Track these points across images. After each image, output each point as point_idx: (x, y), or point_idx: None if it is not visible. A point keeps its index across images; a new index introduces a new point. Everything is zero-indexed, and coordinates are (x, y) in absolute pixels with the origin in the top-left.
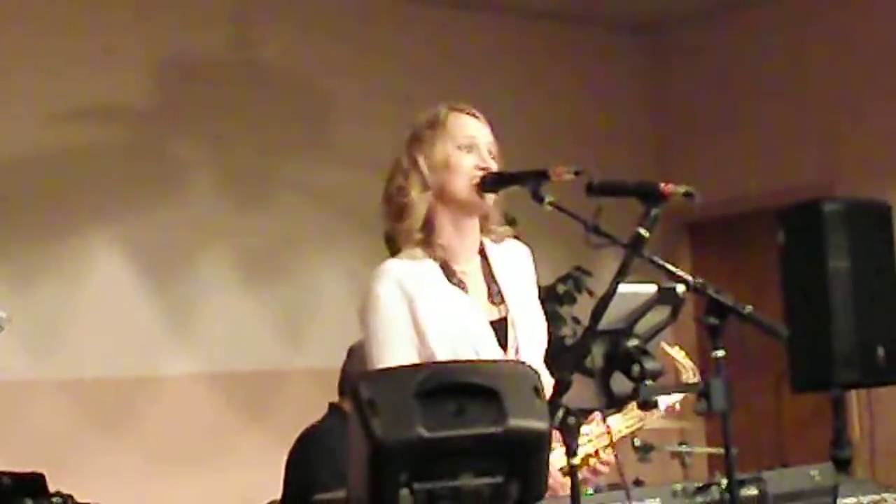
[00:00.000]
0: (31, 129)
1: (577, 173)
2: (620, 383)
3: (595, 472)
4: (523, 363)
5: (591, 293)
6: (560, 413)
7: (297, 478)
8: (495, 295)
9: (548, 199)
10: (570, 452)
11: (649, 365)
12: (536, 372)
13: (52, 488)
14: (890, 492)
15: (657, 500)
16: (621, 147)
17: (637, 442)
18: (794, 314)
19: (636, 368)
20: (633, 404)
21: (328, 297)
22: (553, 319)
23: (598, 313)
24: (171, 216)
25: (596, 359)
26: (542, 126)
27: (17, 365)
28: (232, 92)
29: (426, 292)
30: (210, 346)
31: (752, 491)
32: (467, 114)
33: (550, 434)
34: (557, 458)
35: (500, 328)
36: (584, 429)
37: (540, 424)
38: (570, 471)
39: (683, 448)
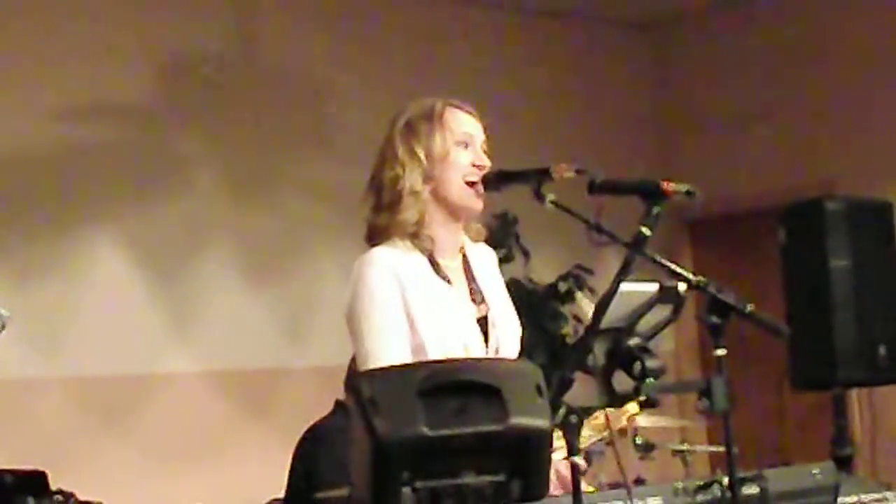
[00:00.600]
0: (34, 126)
1: (578, 171)
2: (622, 381)
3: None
4: (525, 361)
5: (592, 292)
6: (562, 411)
7: (302, 475)
8: (476, 293)
9: (549, 197)
10: (572, 451)
11: (651, 363)
12: (538, 370)
13: (53, 486)
14: (891, 490)
15: (659, 498)
16: (623, 145)
17: (638, 440)
18: (795, 313)
19: (638, 366)
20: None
21: (330, 294)
22: (554, 318)
23: (599, 311)
24: (173, 213)
25: (597, 357)
26: (544, 123)
27: (19, 363)
28: (234, 89)
29: (417, 281)
30: (212, 344)
31: (753, 489)
32: (463, 110)
33: (552, 432)
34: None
35: (482, 326)
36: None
37: (542, 422)
38: (571, 469)
39: (685, 446)
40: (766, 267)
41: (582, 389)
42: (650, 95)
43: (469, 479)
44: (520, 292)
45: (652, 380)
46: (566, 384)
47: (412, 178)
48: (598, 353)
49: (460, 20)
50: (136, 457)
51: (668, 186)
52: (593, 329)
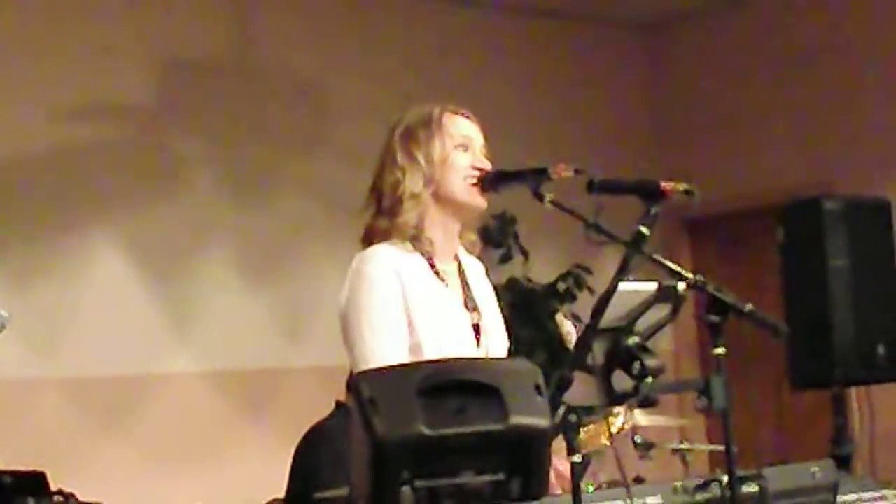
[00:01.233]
0: (32, 126)
1: (577, 171)
2: (621, 381)
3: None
4: (525, 360)
5: (591, 291)
6: (561, 410)
7: (302, 474)
8: (470, 300)
9: (548, 197)
10: (571, 450)
11: (650, 362)
12: (537, 369)
13: (53, 487)
14: (890, 489)
15: (658, 497)
16: (622, 145)
17: (638, 439)
18: (794, 312)
19: (637, 366)
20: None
21: (329, 294)
22: (553, 317)
23: (599, 311)
24: (171, 213)
25: (597, 356)
26: (543, 124)
27: (18, 363)
28: (233, 89)
29: (417, 281)
30: (211, 344)
31: (752, 488)
32: (461, 115)
33: (551, 431)
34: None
35: (475, 332)
36: None
37: (541, 422)
38: (571, 469)
39: (684, 445)
40: (765, 266)
41: (581, 389)
42: (649, 95)
43: (468, 478)
44: (519, 292)
45: (651, 379)
46: (565, 383)
47: (412, 182)
48: (598, 352)
49: (458, 21)
50: (135, 457)
51: (667, 186)
52: (593, 328)
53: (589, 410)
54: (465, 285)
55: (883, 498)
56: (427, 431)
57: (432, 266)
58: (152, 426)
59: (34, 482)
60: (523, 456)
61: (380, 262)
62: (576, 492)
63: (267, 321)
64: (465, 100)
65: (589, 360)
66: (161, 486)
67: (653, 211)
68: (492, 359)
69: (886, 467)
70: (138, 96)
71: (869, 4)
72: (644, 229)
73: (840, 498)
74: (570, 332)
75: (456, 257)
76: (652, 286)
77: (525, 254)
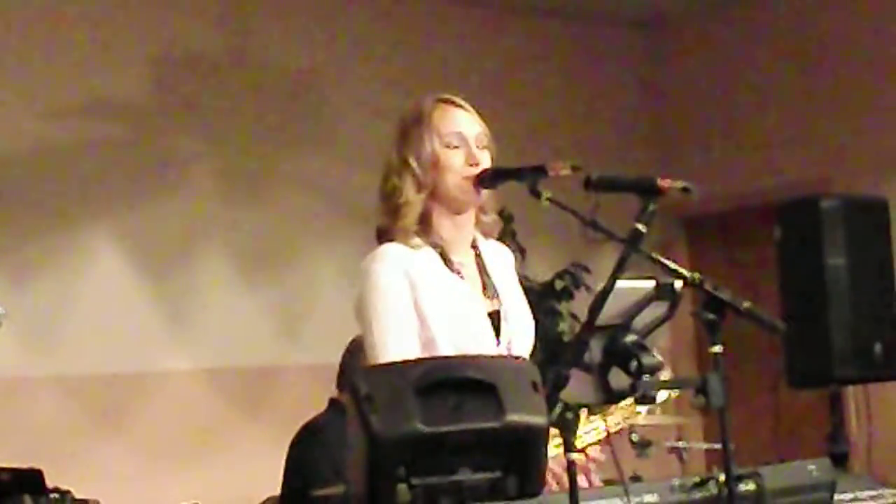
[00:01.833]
0: (29, 124)
1: (574, 169)
2: (618, 378)
3: (585, 469)
4: (522, 358)
5: (588, 289)
6: (558, 408)
7: (297, 473)
8: (489, 288)
9: (545, 194)
10: (568, 447)
11: (647, 360)
12: (534, 366)
13: (50, 484)
14: (887, 487)
15: (655, 495)
16: (619, 143)
17: (635, 437)
18: (791, 310)
19: (634, 364)
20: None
21: (326, 292)
22: (550, 315)
23: (596, 309)
24: (168, 211)
25: (594, 354)
26: (541, 121)
27: (15, 361)
28: (231, 87)
29: (427, 276)
30: (207, 342)
31: (749, 486)
32: (454, 105)
33: (548, 429)
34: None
35: (494, 321)
36: None
37: (538, 419)
38: (568, 466)
39: (681, 444)
40: (762, 265)
41: (578, 386)
42: (647, 93)
43: (465, 475)
44: None
45: (648, 377)
46: (562, 381)
47: (406, 188)
48: (595, 349)
49: (456, 18)
50: (131, 454)
51: (665, 183)
52: (590, 326)
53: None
54: (485, 273)
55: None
56: (424, 429)
57: (445, 259)
58: (149, 424)
59: (31, 479)
60: (520, 454)
61: (387, 260)
62: (572, 490)
63: (264, 319)
64: (463, 97)
65: (586, 358)
66: (157, 484)
67: (650, 208)
68: (489, 356)
69: (883, 465)
70: (136, 93)
71: (868, 4)
72: (641, 227)
73: (837, 497)
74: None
75: (474, 245)
76: (649, 284)
77: (522, 252)
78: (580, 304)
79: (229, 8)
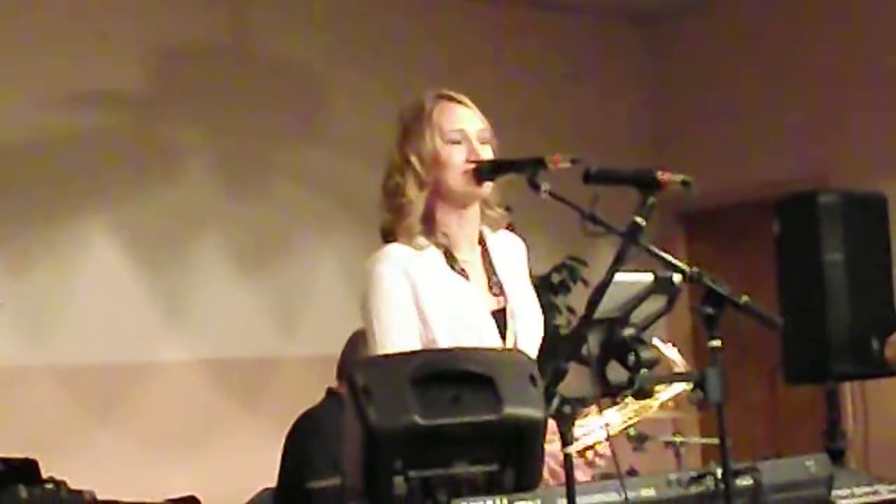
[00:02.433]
0: (26, 113)
1: (573, 161)
2: (616, 372)
3: (591, 464)
4: (519, 351)
5: (585, 283)
6: (556, 401)
7: (293, 463)
8: (495, 286)
9: (545, 186)
10: (565, 442)
11: (645, 354)
12: (532, 360)
13: (45, 474)
14: (883, 483)
15: (651, 489)
16: (619, 137)
17: (632, 432)
18: (789, 306)
19: (632, 357)
20: (630, 398)
21: (323, 284)
22: (548, 309)
23: (594, 302)
24: (165, 202)
25: (592, 347)
26: (540, 115)
27: (11, 351)
28: (228, 78)
29: (430, 278)
30: (204, 333)
31: (746, 481)
32: (454, 101)
33: (546, 422)
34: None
35: (500, 318)
36: (580, 421)
37: (535, 412)
38: (564, 460)
39: (678, 438)
40: (760, 260)
41: (576, 380)
42: (646, 88)
43: (462, 468)
44: None
45: (646, 371)
46: (560, 374)
47: (409, 187)
48: (593, 343)
49: (454, 11)
50: (127, 445)
51: (664, 176)
52: (588, 319)
53: (583, 402)
54: (491, 270)
55: (876, 493)
56: (421, 421)
57: (450, 258)
58: (145, 414)
59: (26, 469)
60: (517, 447)
61: (388, 262)
62: (569, 483)
63: (260, 310)
64: (461, 90)
65: (584, 351)
66: (153, 475)
67: (649, 202)
68: (487, 349)
69: (880, 462)
70: (134, 84)
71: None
72: (640, 220)
73: (834, 492)
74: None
75: (481, 241)
76: (648, 277)
77: None
78: (577, 298)
79: (227, 1)
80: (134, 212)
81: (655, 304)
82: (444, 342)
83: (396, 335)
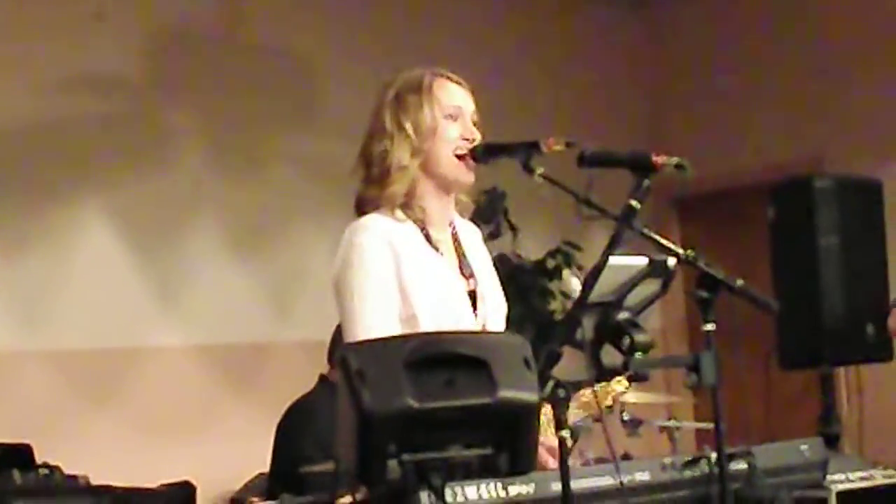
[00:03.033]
0: (21, 97)
1: (568, 144)
2: (610, 356)
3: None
4: (515, 335)
5: (580, 268)
6: (550, 385)
7: (286, 449)
8: (465, 267)
9: (538, 170)
10: (560, 425)
11: (639, 337)
12: (526, 343)
13: (39, 459)
14: (878, 468)
15: (646, 473)
16: (613, 121)
17: (626, 416)
18: (783, 290)
19: (626, 341)
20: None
21: (317, 269)
22: (542, 294)
23: (589, 285)
24: (160, 187)
25: (586, 331)
26: (536, 100)
27: (4, 336)
28: (223, 63)
29: (410, 251)
30: (198, 318)
31: (741, 465)
32: (452, 81)
33: (540, 406)
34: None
35: (471, 299)
36: None
37: (530, 396)
38: (559, 444)
39: (672, 423)
40: (755, 245)
41: (570, 364)
42: (642, 72)
43: (456, 452)
44: (508, 268)
45: (640, 354)
46: (554, 358)
47: (400, 153)
48: (587, 327)
49: None
50: (121, 430)
51: (659, 159)
52: (582, 303)
53: (577, 385)
54: (461, 252)
55: (870, 477)
56: (415, 404)
57: (426, 235)
58: (138, 400)
59: (20, 454)
60: (511, 430)
61: (372, 232)
62: (563, 467)
63: (255, 295)
64: (457, 74)
65: (578, 335)
66: (147, 460)
67: (644, 184)
68: (481, 332)
69: (874, 446)
70: (128, 69)
71: None
72: (634, 203)
73: (828, 477)
74: (575, 289)
75: (451, 224)
76: (642, 261)
77: (514, 230)
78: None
79: None
80: (128, 197)
81: (650, 287)
82: (423, 318)
83: (372, 313)
